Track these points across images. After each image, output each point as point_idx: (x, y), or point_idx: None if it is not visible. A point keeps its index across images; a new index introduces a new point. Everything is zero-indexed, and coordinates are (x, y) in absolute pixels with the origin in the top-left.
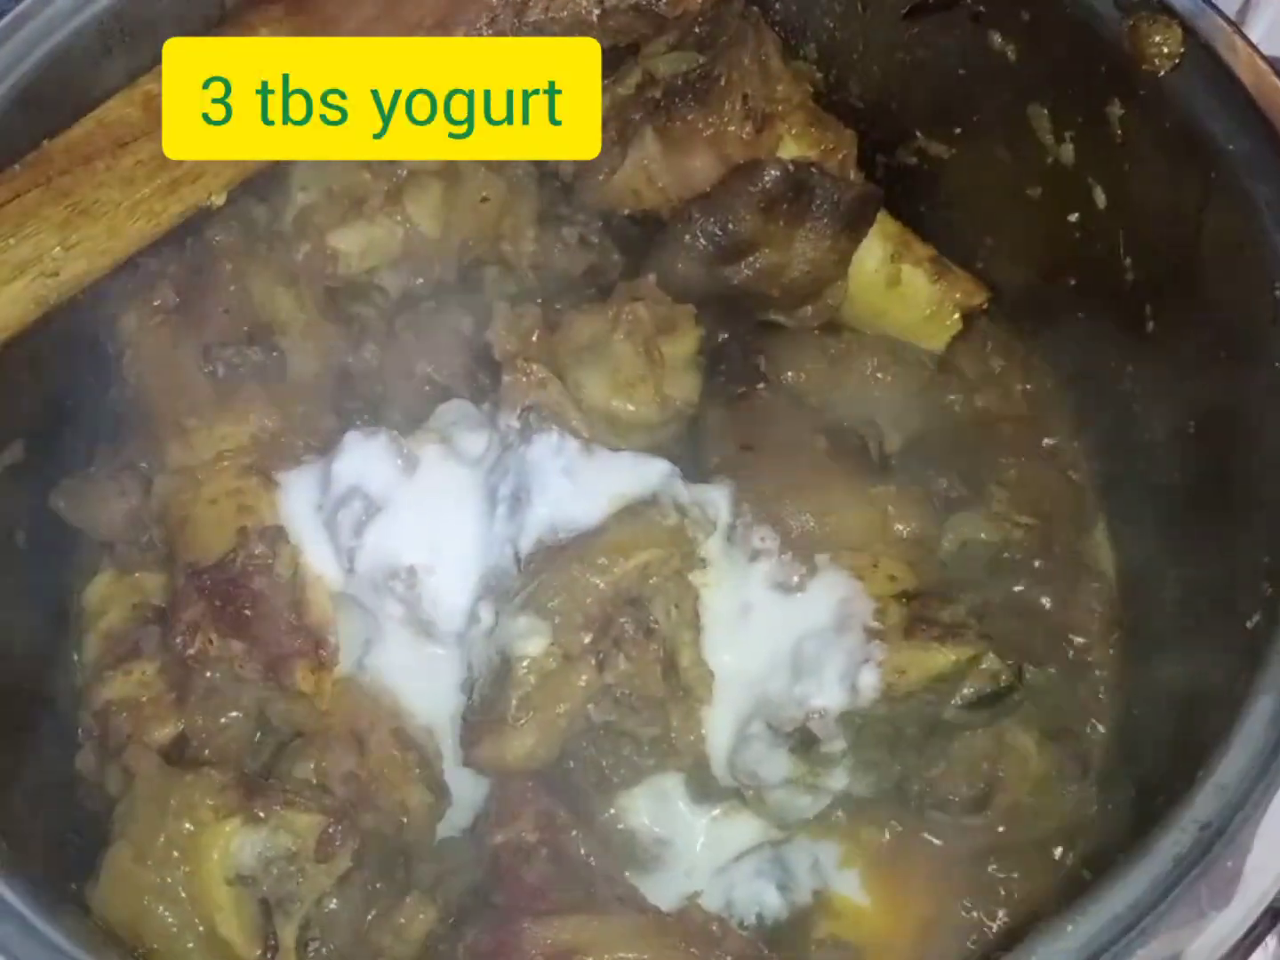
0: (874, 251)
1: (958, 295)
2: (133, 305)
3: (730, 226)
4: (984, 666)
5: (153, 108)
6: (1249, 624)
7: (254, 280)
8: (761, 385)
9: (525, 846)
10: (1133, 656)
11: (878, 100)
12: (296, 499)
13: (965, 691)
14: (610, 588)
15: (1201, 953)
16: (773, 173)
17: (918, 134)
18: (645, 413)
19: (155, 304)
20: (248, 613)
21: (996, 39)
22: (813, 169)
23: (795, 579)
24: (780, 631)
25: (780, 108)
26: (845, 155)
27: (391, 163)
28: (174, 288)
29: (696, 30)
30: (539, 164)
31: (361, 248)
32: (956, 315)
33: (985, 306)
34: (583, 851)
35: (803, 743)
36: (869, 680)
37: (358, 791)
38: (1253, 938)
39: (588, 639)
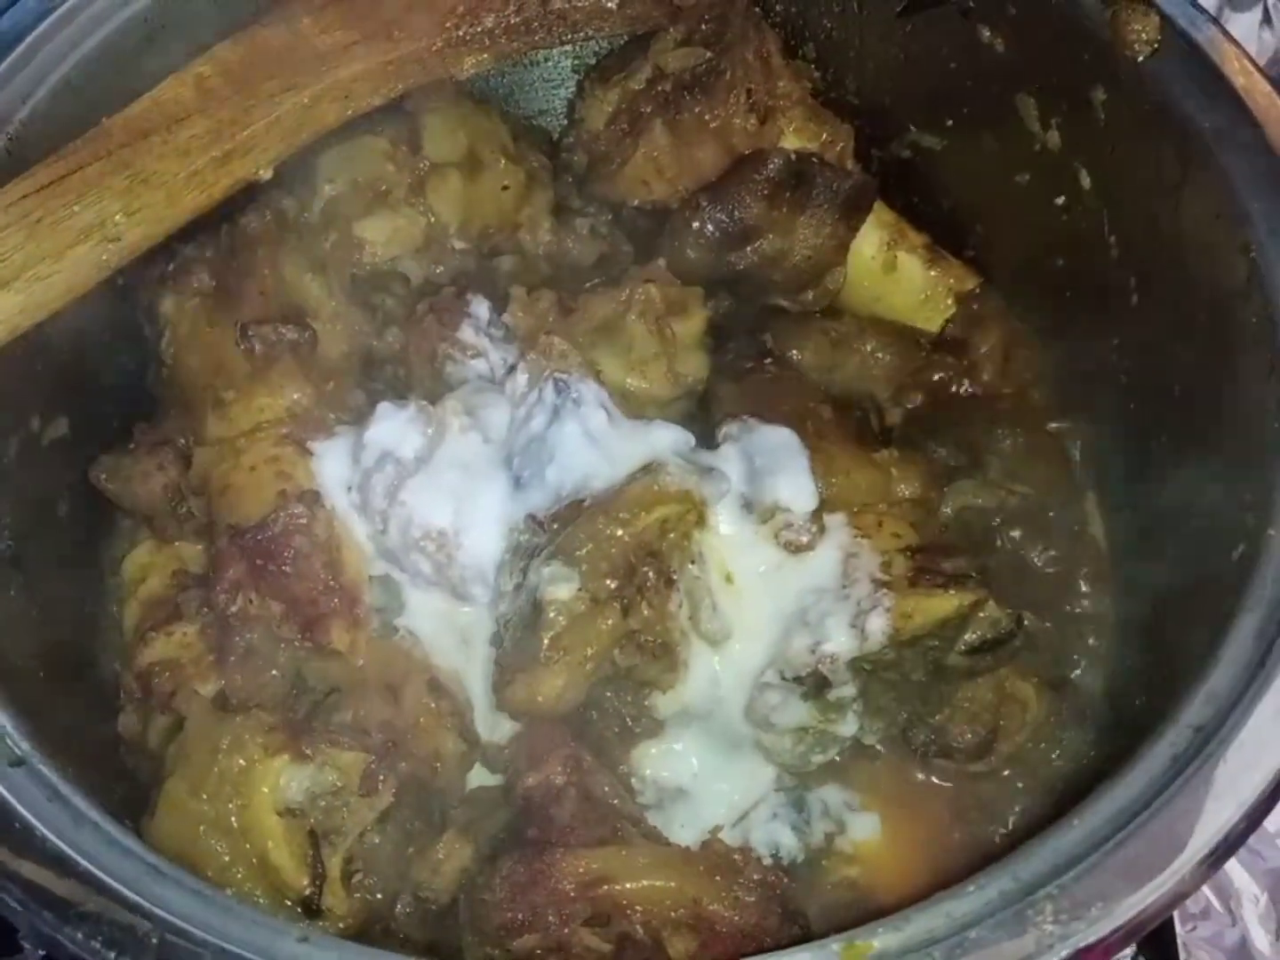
0: (871, 239)
1: (951, 281)
2: (171, 289)
3: (736, 213)
4: (984, 614)
5: (204, 88)
6: (1234, 554)
7: (285, 266)
8: (769, 361)
9: (555, 788)
10: (1125, 608)
11: (873, 96)
12: (330, 466)
13: (968, 637)
14: (633, 539)
15: (1198, 844)
16: (776, 162)
17: (911, 127)
18: (658, 389)
19: (193, 287)
20: (287, 570)
21: (985, 32)
22: (813, 159)
23: (805, 539)
24: (792, 587)
25: (781, 102)
26: (842, 148)
27: (414, 154)
28: (210, 272)
29: (703, 28)
30: (554, 157)
31: (386, 237)
32: (950, 299)
33: (977, 290)
34: (607, 791)
35: (815, 688)
36: (877, 625)
37: (393, 738)
38: (1241, 831)
39: (613, 585)
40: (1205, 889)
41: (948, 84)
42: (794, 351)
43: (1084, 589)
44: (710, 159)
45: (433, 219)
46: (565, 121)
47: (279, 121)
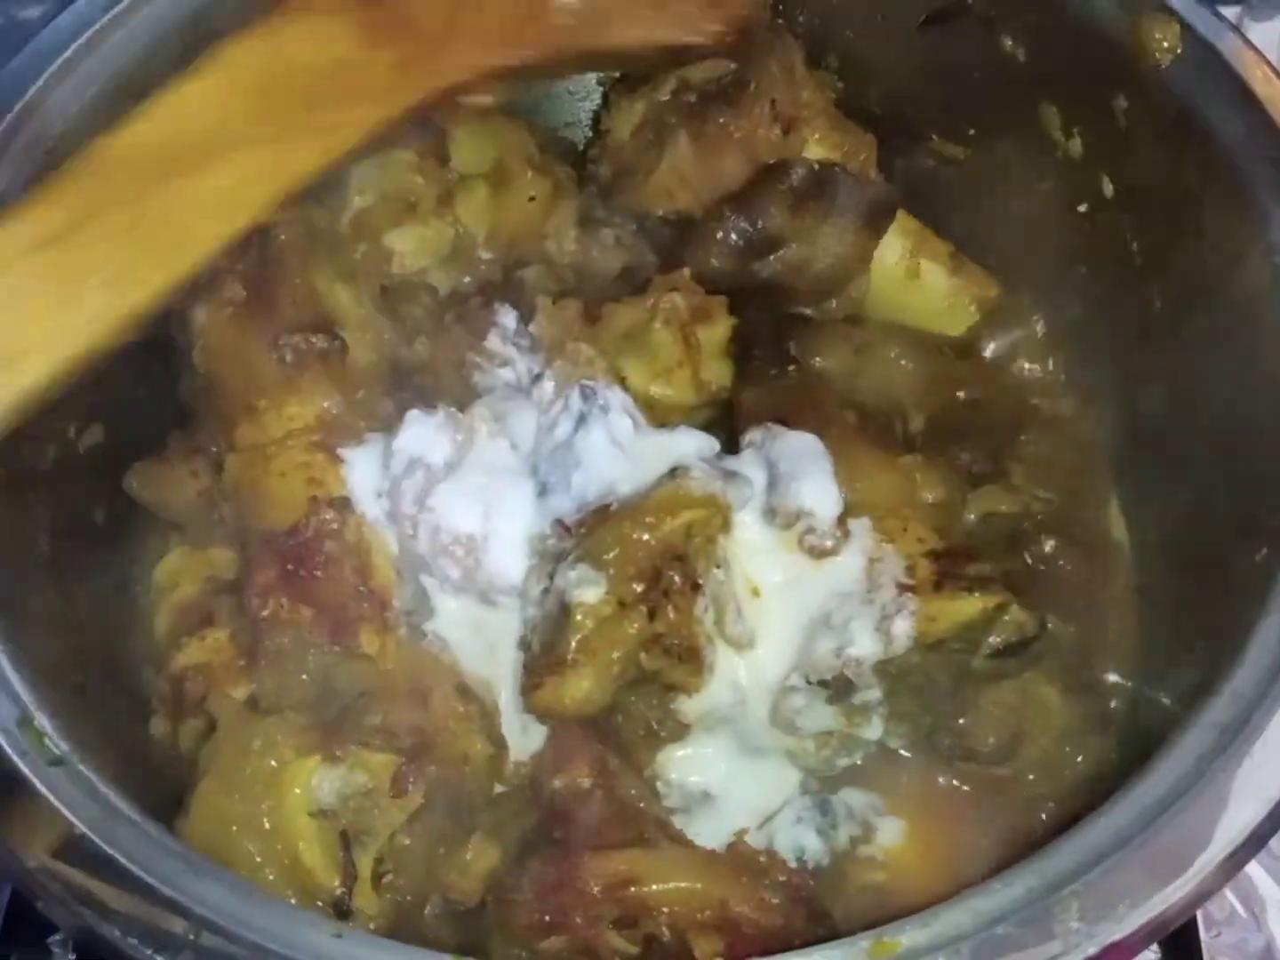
0: (894, 247)
1: (974, 288)
2: (203, 300)
3: (760, 222)
4: (1008, 617)
5: (220, 108)
6: (1257, 557)
7: (316, 276)
8: (792, 368)
9: (581, 791)
10: (1149, 612)
11: (895, 106)
12: (360, 473)
13: (992, 640)
14: (659, 543)
15: (1222, 841)
16: (799, 171)
17: (934, 137)
18: (682, 396)
19: (225, 297)
20: (318, 574)
21: (1007, 42)
22: (836, 168)
23: (829, 544)
24: (816, 591)
25: (805, 112)
26: (865, 157)
27: (442, 166)
28: (242, 283)
29: (727, 39)
30: (580, 168)
31: (414, 247)
32: (973, 306)
33: (1000, 297)
34: (634, 794)
35: (840, 692)
36: (902, 628)
37: (422, 742)
38: (1266, 828)
39: (640, 589)
40: (1230, 895)
41: (970, 93)
42: (818, 359)
43: (1108, 593)
44: (734, 169)
45: (460, 230)
46: (591, 133)
47: (307, 157)
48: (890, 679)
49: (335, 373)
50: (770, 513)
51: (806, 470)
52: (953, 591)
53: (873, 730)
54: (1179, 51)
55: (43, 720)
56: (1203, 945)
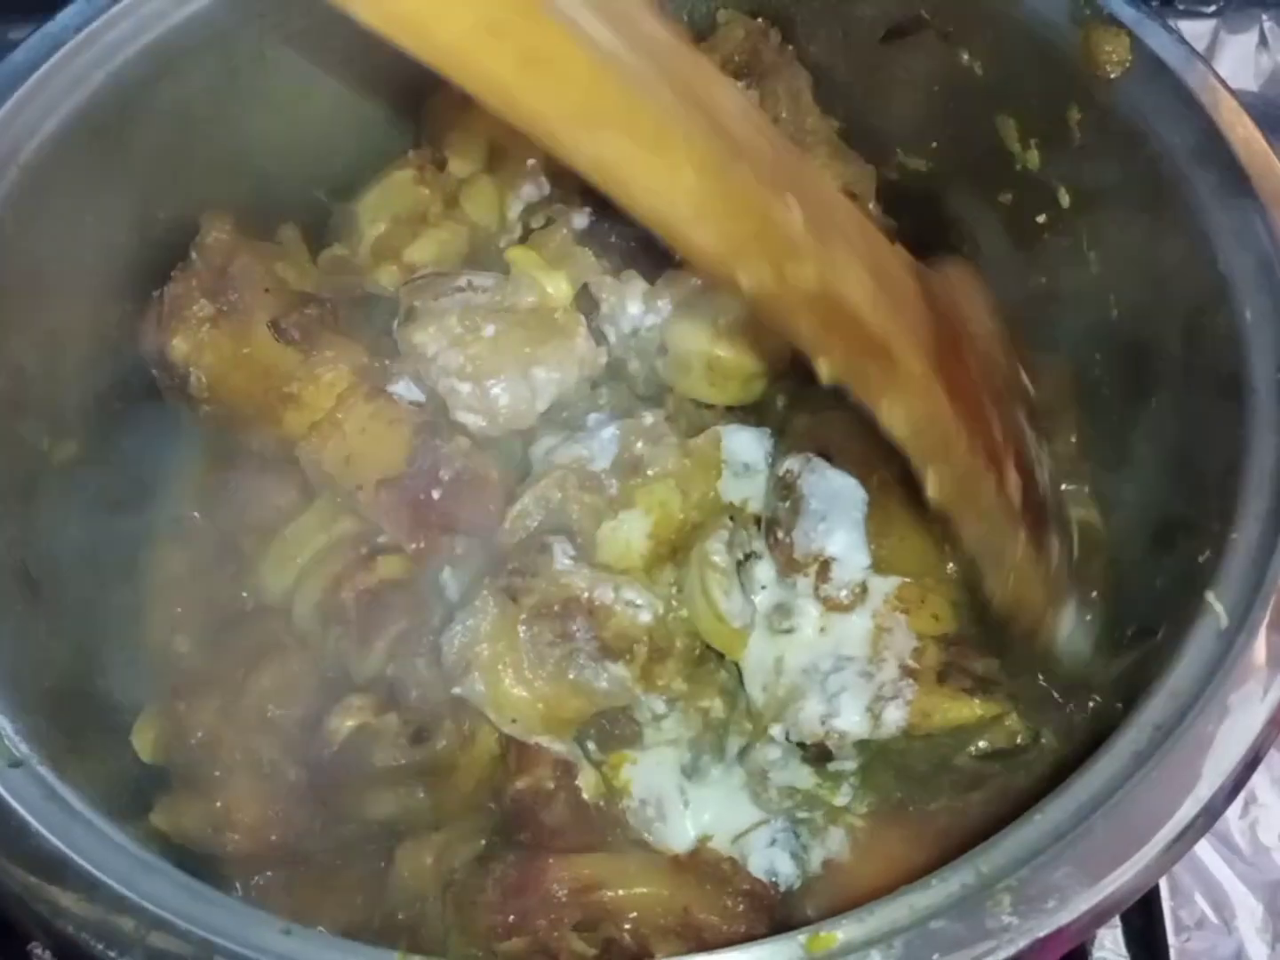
0: None
1: None
2: (175, 332)
3: None
4: (1006, 724)
5: None
6: (1200, 559)
7: (273, 263)
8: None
9: (544, 793)
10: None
11: (859, 121)
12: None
13: (980, 744)
14: None
15: (1156, 840)
16: None
17: (898, 150)
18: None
19: (197, 317)
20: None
21: (965, 56)
22: None
23: (846, 599)
24: (818, 646)
25: (808, 139)
26: (865, 189)
27: (443, 174)
28: (206, 296)
29: (736, 59)
30: None
31: (434, 255)
32: None
33: None
34: (600, 803)
35: (817, 757)
36: (894, 716)
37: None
38: (1199, 826)
39: None
40: (1200, 901)
41: (931, 107)
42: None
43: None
44: None
45: (473, 226)
46: None
47: None
48: (870, 754)
49: (343, 329)
50: (785, 546)
51: (840, 514)
52: (954, 690)
53: (841, 798)
54: (1128, 64)
55: (4, 723)
56: (1172, 950)
